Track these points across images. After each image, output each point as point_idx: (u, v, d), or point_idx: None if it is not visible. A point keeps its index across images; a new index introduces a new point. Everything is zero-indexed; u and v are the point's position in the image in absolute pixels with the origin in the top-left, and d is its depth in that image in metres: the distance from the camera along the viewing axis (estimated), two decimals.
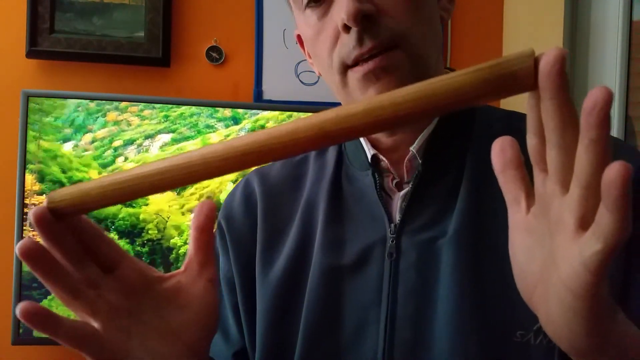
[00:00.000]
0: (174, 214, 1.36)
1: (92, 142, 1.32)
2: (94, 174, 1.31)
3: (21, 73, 1.38)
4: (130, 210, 1.33)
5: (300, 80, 1.49)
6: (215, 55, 1.46)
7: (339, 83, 0.56)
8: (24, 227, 1.26)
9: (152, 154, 1.33)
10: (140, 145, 1.34)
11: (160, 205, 1.35)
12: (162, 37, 1.40)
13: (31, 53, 1.36)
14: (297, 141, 0.32)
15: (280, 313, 0.59)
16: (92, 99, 1.30)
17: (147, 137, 1.34)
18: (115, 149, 1.32)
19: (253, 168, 0.68)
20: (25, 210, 1.26)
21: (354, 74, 0.54)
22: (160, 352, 0.42)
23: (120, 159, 1.33)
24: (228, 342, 0.64)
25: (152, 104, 1.33)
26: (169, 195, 1.34)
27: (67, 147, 1.31)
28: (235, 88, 1.47)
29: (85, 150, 1.32)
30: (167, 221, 1.35)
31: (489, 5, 1.59)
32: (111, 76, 1.42)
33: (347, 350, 0.55)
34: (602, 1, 1.34)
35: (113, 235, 1.32)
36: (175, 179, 0.36)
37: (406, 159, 0.58)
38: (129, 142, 1.33)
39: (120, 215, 1.33)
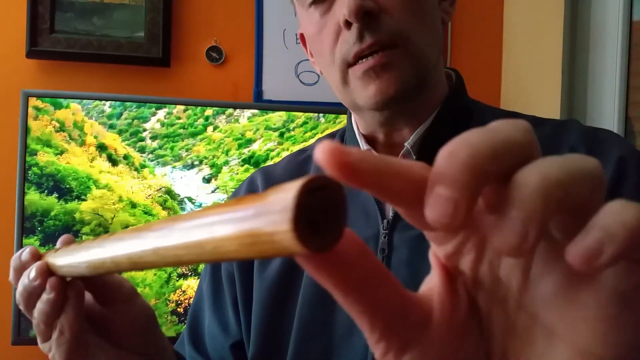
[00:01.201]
0: (121, 213, 1.31)
1: (185, 110, 1.34)
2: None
3: (21, 73, 1.38)
4: (68, 206, 1.28)
5: (300, 80, 1.49)
6: (215, 55, 1.46)
7: (340, 80, 0.57)
8: (24, 228, 1.26)
9: (241, 123, 1.36)
10: (230, 115, 1.37)
11: (102, 201, 1.31)
12: (162, 37, 1.40)
13: (31, 53, 1.36)
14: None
15: (275, 308, 0.61)
16: (92, 99, 1.30)
17: (237, 107, 1.38)
18: (207, 118, 1.36)
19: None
20: (25, 210, 1.26)
21: (355, 72, 0.54)
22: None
23: (210, 128, 1.36)
24: (226, 334, 0.66)
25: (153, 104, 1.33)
26: (111, 190, 1.32)
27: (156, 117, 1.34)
28: (235, 88, 1.47)
29: (179, 118, 1.34)
30: (110, 223, 1.31)
31: (489, 6, 1.59)
32: (111, 76, 1.42)
33: (340, 345, 0.56)
34: (602, 1, 1.34)
35: (34, 241, 1.26)
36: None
37: (400, 155, 0.58)
38: (220, 112, 1.36)
39: (52, 213, 1.28)
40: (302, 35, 0.65)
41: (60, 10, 1.38)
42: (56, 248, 0.45)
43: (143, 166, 1.35)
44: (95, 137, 1.32)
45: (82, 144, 1.31)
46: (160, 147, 1.35)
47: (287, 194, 0.18)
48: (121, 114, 1.32)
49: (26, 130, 1.26)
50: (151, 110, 1.33)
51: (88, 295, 0.47)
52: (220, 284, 0.67)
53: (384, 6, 0.53)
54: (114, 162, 1.33)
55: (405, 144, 0.58)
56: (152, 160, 1.34)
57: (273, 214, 0.19)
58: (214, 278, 0.68)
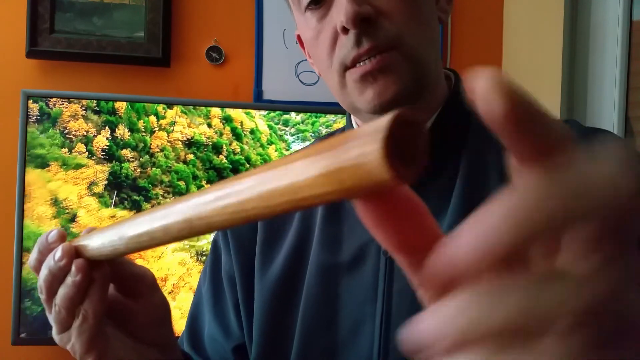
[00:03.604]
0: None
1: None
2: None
3: (21, 73, 1.38)
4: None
5: (300, 80, 1.49)
6: (215, 55, 1.46)
7: (338, 84, 0.57)
8: (24, 228, 1.26)
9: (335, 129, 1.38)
10: None
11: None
12: (162, 37, 1.40)
13: (31, 53, 1.36)
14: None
15: (277, 309, 0.61)
16: (92, 99, 1.30)
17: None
18: None
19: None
20: (25, 209, 1.26)
21: (352, 75, 0.54)
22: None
23: None
24: (228, 337, 0.65)
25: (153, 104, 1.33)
26: None
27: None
28: (235, 88, 1.47)
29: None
30: None
31: (489, 5, 1.59)
32: (111, 76, 1.42)
33: (344, 346, 0.56)
34: (602, 1, 1.34)
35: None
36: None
37: None
38: None
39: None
40: (299, 37, 0.65)
41: (60, 10, 1.38)
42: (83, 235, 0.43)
43: (270, 142, 1.31)
44: (222, 110, 1.30)
45: (207, 115, 1.28)
46: (302, 122, 1.33)
47: (378, 121, 0.19)
48: None
49: (26, 130, 1.26)
50: None
51: (109, 286, 0.46)
52: (220, 287, 0.67)
53: (381, 10, 0.53)
54: (238, 136, 1.29)
55: None
56: (292, 135, 1.31)
57: (364, 136, 0.19)
58: (214, 280, 0.68)
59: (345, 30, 0.53)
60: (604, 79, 1.34)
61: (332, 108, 1.38)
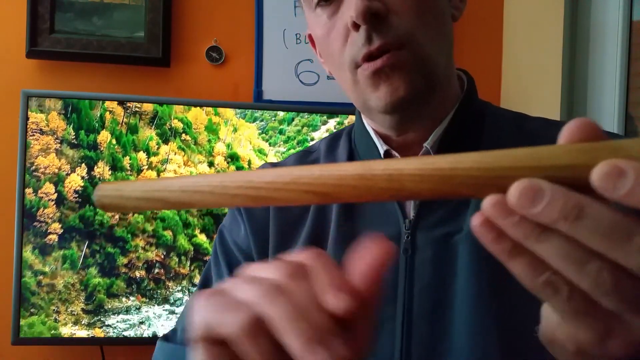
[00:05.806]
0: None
1: None
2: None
3: (21, 73, 1.38)
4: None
5: (300, 80, 1.49)
6: (215, 55, 1.46)
7: (351, 81, 0.56)
8: (24, 227, 1.26)
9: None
10: None
11: None
12: (162, 37, 1.40)
13: (31, 53, 1.36)
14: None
15: None
16: (92, 99, 1.30)
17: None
18: None
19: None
20: (25, 210, 1.26)
21: (364, 72, 0.54)
22: None
23: None
24: None
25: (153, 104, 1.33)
26: None
27: None
28: (235, 88, 1.47)
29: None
30: None
31: (489, 5, 1.59)
32: (111, 76, 1.42)
33: None
34: (602, 1, 1.34)
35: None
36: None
37: (419, 155, 0.58)
38: None
39: None
40: (310, 36, 0.65)
41: (60, 10, 1.38)
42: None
43: None
44: (228, 145, 1.18)
45: (209, 152, 1.16)
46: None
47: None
48: (292, 119, 1.21)
49: (26, 130, 1.26)
50: (323, 119, 1.25)
51: None
52: (233, 257, 0.64)
53: (392, 7, 0.53)
54: None
55: (425, 144, 0.58)
56: None
57: None
58: (225, 252, 0.65)
59: (355, 26, 0.53)
60: (604, 79, 1.34)
61: (332, 108, 1.38)
